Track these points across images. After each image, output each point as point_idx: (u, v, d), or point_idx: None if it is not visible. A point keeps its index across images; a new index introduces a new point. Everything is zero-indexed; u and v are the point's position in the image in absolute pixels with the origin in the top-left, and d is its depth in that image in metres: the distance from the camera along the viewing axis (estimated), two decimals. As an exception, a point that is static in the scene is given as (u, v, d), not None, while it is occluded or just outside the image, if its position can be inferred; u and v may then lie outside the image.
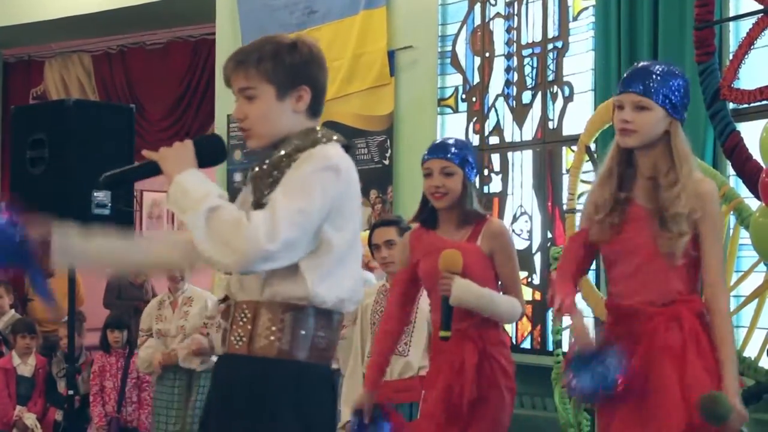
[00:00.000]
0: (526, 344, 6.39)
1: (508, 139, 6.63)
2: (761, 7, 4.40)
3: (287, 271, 2.56)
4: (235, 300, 2.69)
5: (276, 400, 2.59)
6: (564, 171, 6.17)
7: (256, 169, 2.69)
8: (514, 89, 6.59)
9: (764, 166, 3.75)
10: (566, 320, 5.33)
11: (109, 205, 5.28)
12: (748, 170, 4.30)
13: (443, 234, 3.97)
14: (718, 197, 3.24)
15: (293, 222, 2.49)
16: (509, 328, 6.44)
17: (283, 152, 2.65)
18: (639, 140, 3.21)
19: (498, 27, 6.76)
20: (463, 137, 6.73)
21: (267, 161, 2.67)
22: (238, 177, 8.05)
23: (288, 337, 2.61)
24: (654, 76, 3.20)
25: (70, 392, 5.64)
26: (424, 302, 4.36)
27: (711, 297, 3.14)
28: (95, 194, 5.20)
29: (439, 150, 4.00)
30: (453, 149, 3.97)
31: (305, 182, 2.55)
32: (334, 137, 2.71)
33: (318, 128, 2.73)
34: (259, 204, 2.59)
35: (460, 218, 3.95)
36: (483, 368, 3.85)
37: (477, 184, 4.14)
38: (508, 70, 6.65)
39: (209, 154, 2.69)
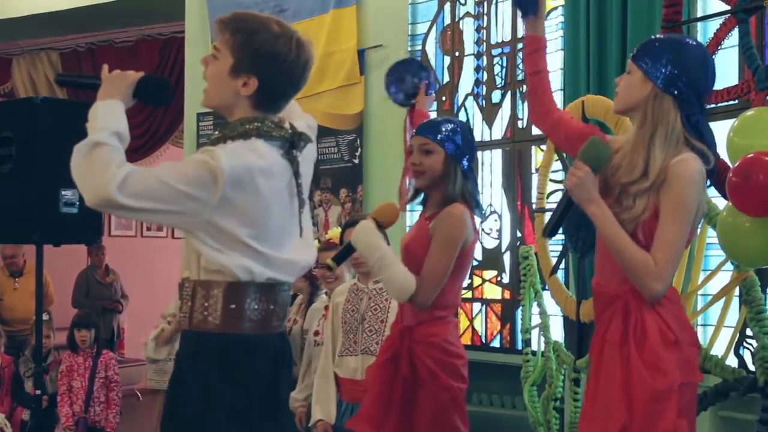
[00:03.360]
0: (495, 343, 6.40)
1: (477, 138, 6.62)
2: (728, 7, 4.43)
3: (205, 252, 2.71)
4: (183, 277, 2.84)
5: (211, 370, 2.72)
6: (533, 170, 6.19)
7: None
8: (484, 88, 6.60)
9: (731, 166, 3.77)
10: (535, 319, 5.35)
11: (78, 203, 5.25)
12: (715, 169, 4.32)
13: (425, 214, 3.90)
14: (694, 178, 2.98)
15: (149, 188, 2.61)
16: (478, 326, 6.46)
17: (219, 134, 2.80)
18: (618, 103, 3.16)
19: (468, 26, 6.77)
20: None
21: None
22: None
23: (219, 311, 2.74)
24: (649, 43, 3.13)
25: (38, 392, 5.61)
26: (395, 302, 4.36)
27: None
28: (63, 193, 5.17)
29: (423, 127, 3.90)
30: (438, 128, 3.83)
31: (187, 164, 2.68)
32: (264, 135, 2.75)
33: (260, 119, 2.78)
34: None
35: (442, 201, 3.81)
36: (401, 367, 3.78)
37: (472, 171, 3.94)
38: (477, 69, 6.66)
39: (150, 91, 2.89)
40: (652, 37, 3.19)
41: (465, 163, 3.83)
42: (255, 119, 2.77)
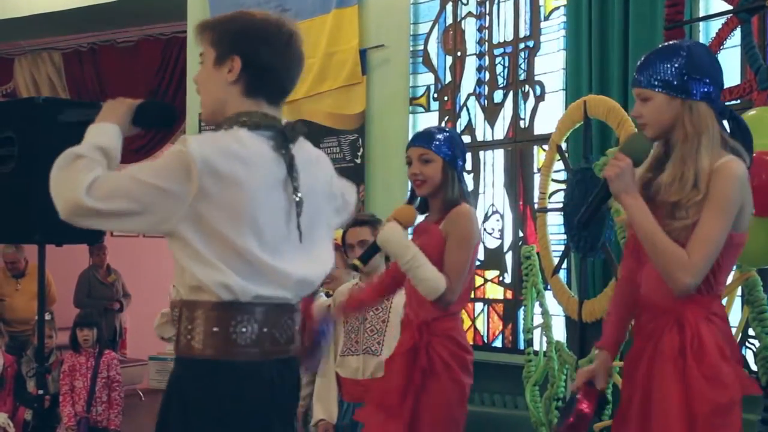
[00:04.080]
0: (497, 343, 6.40)
1: (479, 138, 6.64)
2: (730, 7, 4.43)
3: (186, 267, 2.50)
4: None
5: (192, 399, 2.51)
6: (535, 170, 6.19)
7: None
8: (486, 88, 6.60)
9: (733, 166, 3.76)
10: (537, 319, 5.35)
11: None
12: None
13: (429, 220, 4.00)
14: (739, 176, 2.91)
15: (119, 186, 2.45)
16: (480, 326, 6.46)
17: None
18: (652, 132, 3.03)
19: (469, 26, 6.77)
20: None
21: None
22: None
23: (201, 335, 2.53)
24: (648, 63, 3.03)
25: (40, 392, 5.61)
26: (398, 301, 4.38)
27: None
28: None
29: (418, 138, 4.02)
30: (433, 137, 3.95)
31: (159, 158, 2.50)
32: (247, 124, 2.57)
33: (249, 113, 2.60)
34: None
35: (443, 206, 3.92)
36: (419, 358, 3.86)
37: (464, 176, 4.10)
38: (479, 69, 6.66)
39: (151, 117, 2.76)
40: (650, 54, 3.10)
41: (459, 166, 3.97)
42: (244, 113, 2.59)
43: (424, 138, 3.98)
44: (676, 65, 2.98)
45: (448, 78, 6.86)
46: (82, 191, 2.42)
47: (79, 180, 2.44)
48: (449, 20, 6.88)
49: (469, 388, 3.97)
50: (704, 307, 2.97)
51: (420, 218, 4.08)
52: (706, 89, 2.99)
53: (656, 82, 2.99)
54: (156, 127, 2.89)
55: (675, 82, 2.97)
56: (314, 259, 2.69)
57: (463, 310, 6.44)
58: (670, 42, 3.18)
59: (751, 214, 3.06)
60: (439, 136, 3.95)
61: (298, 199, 2.60)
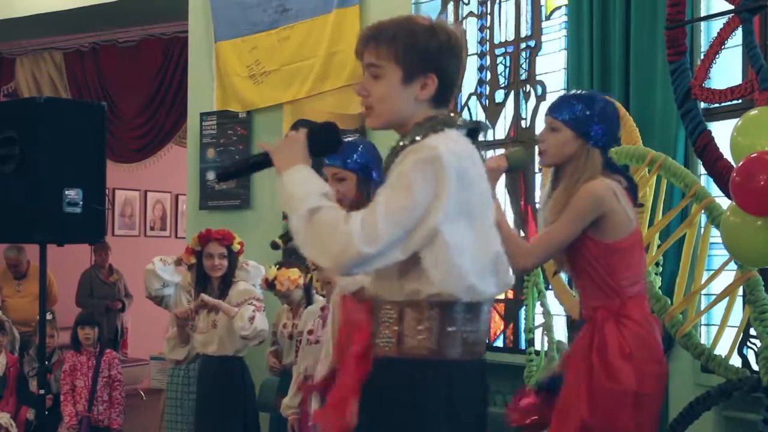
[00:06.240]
0: (499, 343, 6.40)
1: (480, 137, 6.63)
2: (732, 7, 4.43)
3: (421, 268, 2.51)
4: (377, 300, 2.63)
5: (429, 402, 2.53)
6: (536, 170, 6.18)
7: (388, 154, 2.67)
8: (487, 88, 6.60)
9: (734, 165, 3.77)
10: (538, 319, 5.35)
11: (81, 203, 5.26)
12: (718, 169, 4.32)
13: None
14: (590, 192, 3.50)
15: (390, 222, 2.43)
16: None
17: (404, 142, 2.62)
18: (549, 160, 3.65)
19: (471, 26, 6.77)
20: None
21: (393, 148, 2.65)
22: (210, 176, 8.04)
23: (436, 335, 2.54)
24: (567, 101, 3.63)
25: (41, 391, 5.62)
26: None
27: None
28: (66, 192, 5.18)
29: (333, 156, 3.92)
30: (346, 155, 3.92)
31: (405, 177, 2.49)
32: (452, 124, 2.66)
33: (439, 115, 2.66)
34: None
35: None
36: None
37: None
38: (481, 69, 6.66)
39: (323, 143, 2.71)
40: (570, 94, 3.72)
41: (374, 175, 3.93)
42: (434, 117, 2.65)
43: (337, 156, 3.91)
44: (590, 112, 3.56)
45: (450, 78, 6.85)
46: (357, 242, 2.40)
47: (344, 232, 2.42)
48: (450, 20, 6.88)
49: None
50: (612, 311, 3.50)
51: None
52: (604, 138, 3.58)
53: (570, 119, 3.57)
54: (331, 151, 2.89)
55: (584, 124, 3.55)
56: None
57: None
58: (588, 92, 3.92)
59: (630, 223, 3.55)
60: (349, 152, 3.91)
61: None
